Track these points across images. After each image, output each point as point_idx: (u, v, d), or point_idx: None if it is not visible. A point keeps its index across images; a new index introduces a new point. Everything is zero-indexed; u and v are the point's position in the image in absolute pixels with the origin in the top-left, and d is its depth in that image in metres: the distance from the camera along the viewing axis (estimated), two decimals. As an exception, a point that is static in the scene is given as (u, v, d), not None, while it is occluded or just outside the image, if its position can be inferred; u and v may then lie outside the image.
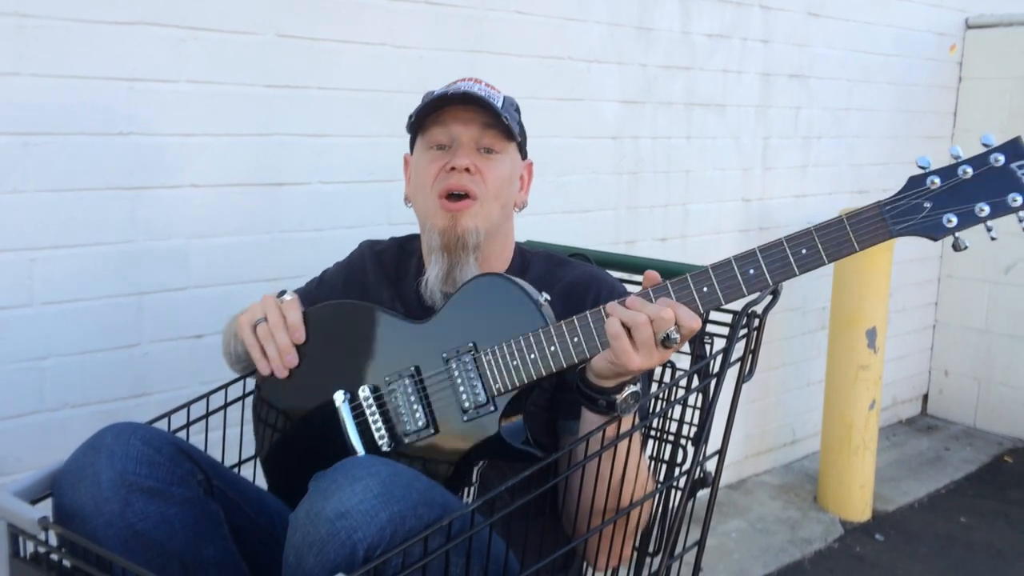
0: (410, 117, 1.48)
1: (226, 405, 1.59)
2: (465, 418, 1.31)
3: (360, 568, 1.02)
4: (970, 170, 1.09)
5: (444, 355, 1.33)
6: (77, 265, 1.85)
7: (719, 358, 1.38)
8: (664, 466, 1.52)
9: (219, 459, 1.50)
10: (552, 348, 1.25)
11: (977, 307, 4.11)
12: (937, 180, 1.10)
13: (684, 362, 1.52)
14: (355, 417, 1.38)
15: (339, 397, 1.39)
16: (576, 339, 1.24)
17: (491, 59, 2.44)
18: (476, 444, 1.30)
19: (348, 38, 2.17)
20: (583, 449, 1.23)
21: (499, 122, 1.40)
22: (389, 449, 1.35)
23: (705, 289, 1.19)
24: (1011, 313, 3.99)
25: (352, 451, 1.37)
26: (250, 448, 1.53)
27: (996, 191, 1.08)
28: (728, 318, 1.45)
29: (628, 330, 1.17)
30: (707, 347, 1.50)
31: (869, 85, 3.65)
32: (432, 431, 1.33)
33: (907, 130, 3.87)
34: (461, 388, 1.31)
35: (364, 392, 1.38)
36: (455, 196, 1.41)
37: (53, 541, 1.12)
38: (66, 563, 1.13)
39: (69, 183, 1.82)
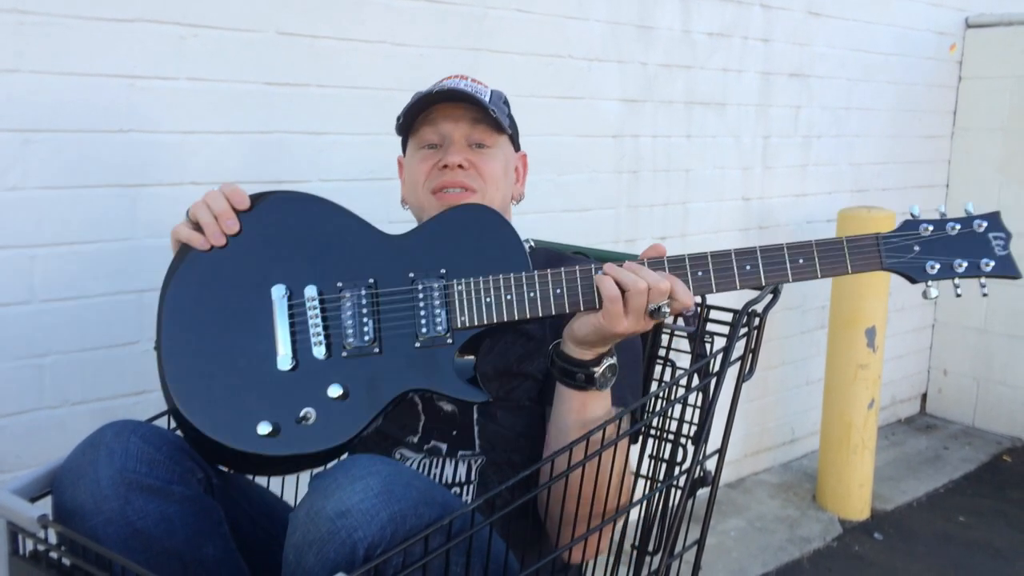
0: (398, 119, 1.48)
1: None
2: (417, 344, 1.24)
3: (360, 567, 1.02)
4: (958, 227, 1.22)
5: (411, 274, 1.26)
6: (77, 262, 1.85)
7: (719, 357, 1.37)
8: (664, 465, 1.52)
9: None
10: (532, 294, 1.23)
11: (976, 307, 4.11)
12: (930, 228, 1.23)
13: (684, 361, 1.52)
14: (291, 317, 1.25)
15: (277, 291, 1.26)
16: (559, 291, 1.22)
17: (491, 57, 2.43)
18: (422, 375, 1.24)
19: (348, 36, 2.17)
20: (580, 449, 1.22)
21: (487, 116, 1.41)
22: (322, 358, 1.24)
23: (700, 273, 1.21)
24: (1010, 313, 3.99)
25: (274, 352, 1.24)
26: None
27: (973, 253, 1.22)
28: (728, 317, 1.45)
29: (623, 292, 1.18)
30: (707, 346, 1.50)
31: (869, 84, 3.65)
32: (376, 349, 1.23)
33: (907, 129, 3.87)
34: (422, 313, 1.24)
35: (310, 291, 1.26)
36: (450, 190, 1.41)
37: (52, 539, 1.12)
38: (65, 561, 1.13)
39: (69, 180, 1.82)
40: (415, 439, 1.43)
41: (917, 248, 1.22)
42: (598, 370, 1.25)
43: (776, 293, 1.41)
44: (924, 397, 4.38)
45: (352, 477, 1.07)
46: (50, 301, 1.83)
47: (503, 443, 1.40)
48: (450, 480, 1.37)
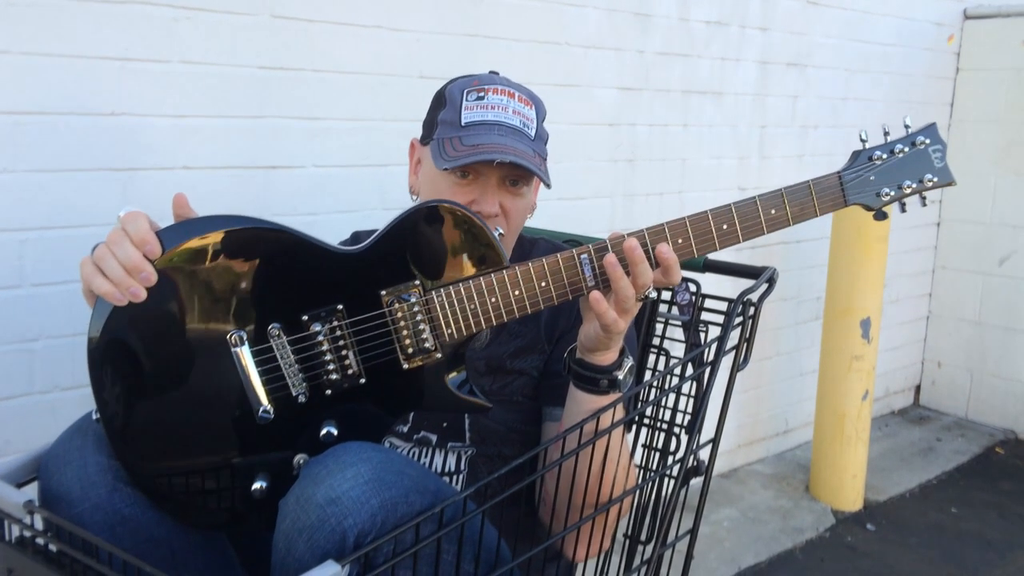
0: (443, 166, 1.30)
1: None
2: (405, 366, 1.17)
3: (350, 555, 1.02)
4: (905, 149, 1.30)
5: (382, 292, 1.15)
6: (68, 246, 1.83)
7: (714, 346, 1.37)
8: (657, 454, 1.51)
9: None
10: (517, 292, 1.18)
11: (971, 299, 4.11)
12: (883, 156, 1.29)
13: (678, 350, 1.51)
14: (258, 364, 1.12)
15: (237, 337, 1.11)
16: (544, 283, 1.18)
17: (488, 43, 2.42)
18: (415, 398, 1.20)
19: (344, 20, 2.15)
20: (573, 438, 1.22)
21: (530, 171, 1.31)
22: (304, 402, 1.14)
23: (680, 241, 1.21)
24: (1005, 305, 3.99)
25: (247, 405, 1.12)
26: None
27: (918, 171, 1.29)
28: (723, 306, 1.45)
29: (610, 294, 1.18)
30: (702, 335, 1.49)
31: (867, 75, 3.63)
32: (362, 381, 1.15)
33: (904, 121, 3.85)
34: (404, 333, 1.16)
35: (273, 330, 1.12)
36: None
37: (39, 525, 1.11)
38: (52, 548, 1.12)
39: (60, 164, 1.80)
40: (404, 428, 1.42)
41: (872, 178, 1.27)
42: (621, 373, 1.23)
43: (771, 283, 1.41)
44: (918, 389, 4.38)
45: (343, 464, 1.06)
46: (40, 285, 1.82)
47: (494, 437, 1.39)
48: (440, 469, 1.36)
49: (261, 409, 1.14)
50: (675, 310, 1.52)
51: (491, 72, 1.44)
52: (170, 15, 1.89)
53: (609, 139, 2.80)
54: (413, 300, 1.16)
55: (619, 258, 1.17)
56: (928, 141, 1.30)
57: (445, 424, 1.40)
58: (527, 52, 2.52)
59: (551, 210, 2.62)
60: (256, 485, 1.15)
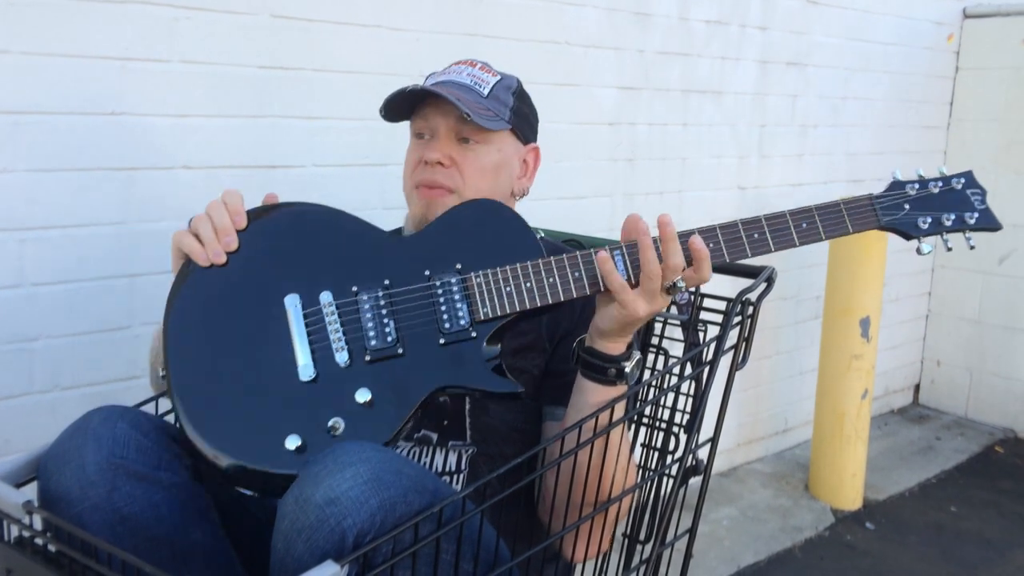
0: (380, 110, 1.44)
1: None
2: (442, 341, 1.20)
3: (349, 555, 1.02)
4: (940, 185, 1.29)
5: (426, 271, 1.24)
6: (68, 246, 1.83)
7: (713, 346, 1.37)
8: (656, 454, 1.51)
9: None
10: (551, 280, 1.21)
11: (970, 297, 4.11)
12: (916, 187, 1.29)
13: (677, 349, 1.51)
14: (307, 326, 1.21)
15: (291, 300, 1.22)
16: (577, 274, 1.21)
17: (488, 43, 2.42)
18: (449, 372, 1.21)
19: (344, 19, 2.15)
20: (573, 436, 1.22)
21: (471, 120, 1.34)
22: (344, 365, 1.20)
23: (712, 245, 1.22)
24: (1004, 304, 3.99)
25: (293, 363, 1.19)
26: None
27: (958, 208, 1.29)
28: (722, 306, 1.44)
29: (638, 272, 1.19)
30: (701, 334, 1.49)
31: (866, 74, 3.63)
32: (400, 350, 1.20)
33: (903, 119, 3.86)
34: (444, 309, 1.21)
35: (325, 297, 1.23)
36: (430, 189, 1.40)
37: (38, 525, 1.11)
38: (51, 548, 1.12)
39: (60, 163, 1.80)
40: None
41: (907, 206, 1.27)
42: (629, 364, 1.23)
43: (770, 281, 1.41)
44: (917, 388, 4.38)
45: (341, 464, 1.06)
46: (40, 285, 1.82)
47: (495, 435, 1.39)
48: (440, 469, 1.36)
49: (302, 367, 1.20)
50: (674, 309, 1.52)
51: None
52: (170, 15, 1.89)
53: (609, 138, 2.80)
54: (452, 280, 1.23)
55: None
56: (964, 183, 1.30)
57: (446, 422, 1.40)
58: (527, 51, 2.52)
59: (551, 209, 2.62)
60: (291, 443, 1.17)
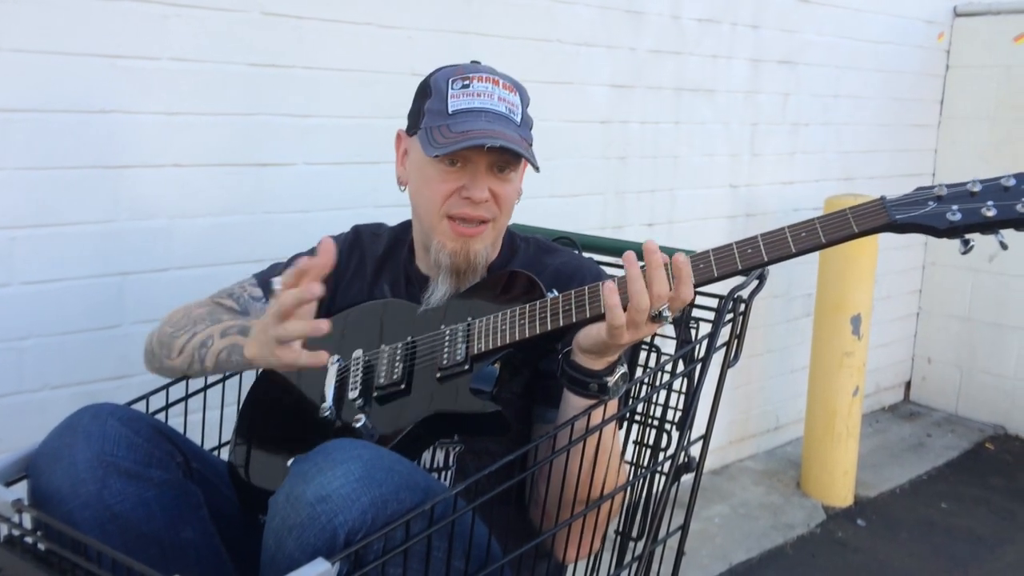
0: (434, 153, 1.33)
1: (206, 387, 1.58)
2: (439, 375, 1.28)
3: (341, 552, 1.02)
4: (979, 186, 1.08)
5: (443, 325, 1.34)
6: (58, 244, 1.83)
7: (705, 343, 1.37)
8: (648, 451, 1.52)
9: (198, 442, 1.49)
10: (543, 314, 1.23)
11: (960, 295, 4.13)
12: (945, 188, 1.10)
13: (669, 347, 1.51)
14: (338, 376, 1.37)
15: (332, 359, 1.40)
16: (567, 306, 1.22)
17: (480, 40, 2.41)
18: (438, 402, 1.26)
19: (335, 17, 2.14)
20: (564, 436, 1.22)
21: (517, 155, 1.33)
22: (356, 400, 1.33)
23: (701, 266, 1.16)
24: (994, 301, 4.01)
25: (318, 405, 1.36)
26: (229, 431, 1.52)
27: (1004, 199, 1.06)
28: (714, 303, 1.45)
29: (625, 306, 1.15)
30: (692, 332, 1.49)
31: (858, 72, 3.64)
32: (403, 386, 1.31)
33: (895, 118, 3.87)
34: (447, 350, 1.30)
35: (356, 353, 1.39)
36: (467, 220, 1.37)
37: (28, 524, 1.11)
38: (41, 546, 1.12)
39: (50, 161, 1.80)
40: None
41: (932, 203, 1.09)
42: (611, 379, 1.22)
43: (762, 279, 1.41)
44: (908, 385, 4.40)
45: (333, 462, 1.06)
46: (30, 283, 1.81)
47: (483, 436, 1.39)
48: (427, 466, 1.36)
49: (324, 406, 1.35)
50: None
51: (473, 62, 1.45)
52: (160, 12, 1.88)
53: (601, 136, 2.80)
54: (460, 326, 1.32)
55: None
56: (1016, 180, 1.07)
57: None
58: (519, 49, 2.52)
59: (543, 207, 2.62)
60: (290, 461, 1.25)
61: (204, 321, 1.43)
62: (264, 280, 1.53)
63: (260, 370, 1.45)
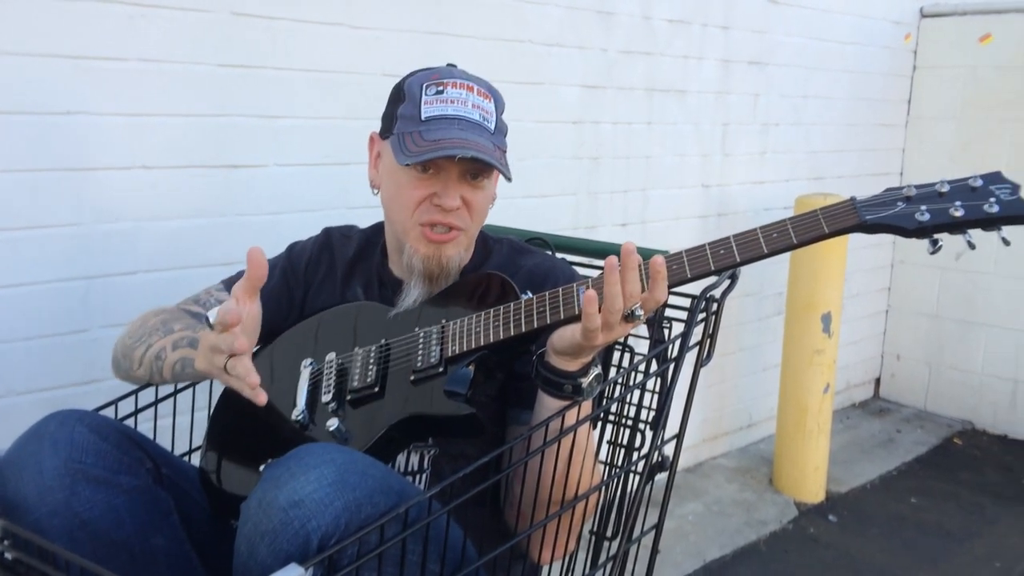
0: (405, 161, 1.31)
1: (176, 392, 1.56)
2: (412, 378, 1.28)
3: (314, 558, 1.01)
4: (947, 186, 1.10)
5: (417, 328, 1.33)
6: (23, 248, 1.80)
7: (678, 342, 1.38)
8: (622, 451, 1.52)
9: (168, 447, 1.47)
10: (517, 316, 1.23)
11: (928, 293, 4.19)
12: (914, 189, 1.12)
13: (643, 347, 1.52)
14: (311, 379, 1.37)
15: (305, 363, 1.40)
16: (541, 308, 1.22)
17: (450, 41, 2.41)
18: (412, 405, 1.26)
19: (305, 17, 2.13)
20: (539, 436, 1.22)
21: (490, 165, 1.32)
22: (327, 404, 1.32)
23: (675, 267, 1.17)
24: (961, 299, 4.07)
25: (291, 409, 1.35)
26: (200, 436, 1.50)
27: (971, 199, 1.08)
28: (686, 303, 1.45)
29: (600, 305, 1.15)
30: (665, 332, 1.50)
31: (826, 72, 3.68)
32: (376, 389, 1.30)
33: (863, 118, 3.91)
34: (420, 353, 1.29)
35: (329, 356, 1.38)
36: (439, 226, 1.36)
37: (-5, 533, 1.09)
38: (8, 555, 1.10)
39: (13, 164, 1.77)
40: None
41: (901, 204, 1.11)
42: (585, 380, 1.22)
43: (734, 278, 1.42)
44: (878, 381, 4.45)
45: (306, 466, 1.05)
46: (-6, 288, 1.78)
47: (458, 439, 1.39)
48: (402, 470, 1.36)
49: (296, 410, 1.34)
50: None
51: (449, 65, 1.44)
52: (127, 12, 1.86)
53: (573, 137, 2.80)
54: (434, 329, 1.31)
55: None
56: (983, 181, 1.09)
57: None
58: (490, 50, 2.51)
59: (516, 208, 2.62)
60: (263, 468, 1.24)
61: (158, 332, 1.40)
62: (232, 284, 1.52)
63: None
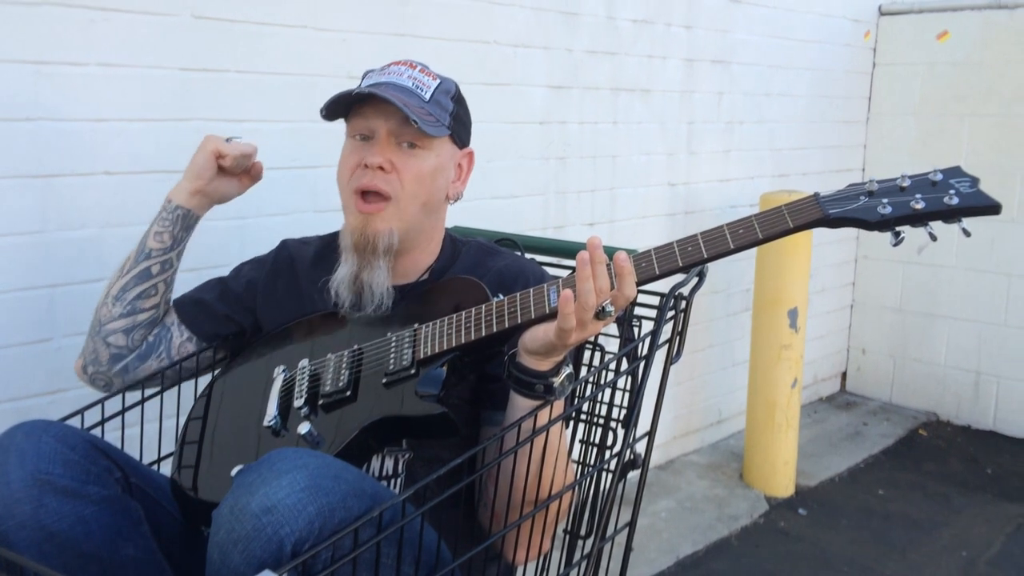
0: (321, 110, 1.43)
1: (143, 400, 1.54)
2: (384, 381, 1.29)
3: (288, 564, 1.00)
4: (908, 181, 1.14)
5: (389, 332, 1.34)
6: (-17, 257, 1.77)
7: (647, 340, 1.39)
8: (595, 449, 1.53)
9: (137, 456, 1.46)
10: (488, 318, 1.24)
11: (892, 287, 4.25)
12: (876, 184, 1.15)
13: (613, 345, 1.53)
14: (284, 385, 1.37)
15: (277, 370, 1.40)
16: (512, 309, 1.23)
17: (416, 43, 2.40)
18: (384, 407, 1.27)
19: (268, 20, 2.11)
20: (512, 437, 1.22)
21: (414, 124, 1.34)
22: (299, 408, 1.33)
23: (644, 264, 1.19)
24: (924, 292, 4.14)
25: (263, 414, 1.35)
26: (169, 444, 1.49)
27: (931, 192, 1.11)
28: (655, 301, 1.46)
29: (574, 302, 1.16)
30: (635, 330, 1.51)
31: (788, 71, 3.72)
32: (348, 393, 1.31)
33: (824, 115, 3.96)
34: (392, 356, 1.30)
35: (303, 363, 1.39)
36: (368, 195, 1.38)
37: (-40, 547, 1.07)
38: (-25, 569, 1.08)
39: (-28, 171, 1.74)
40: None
41: (864, 198, 1.14)
42: (557, 380, 1.23)
43: (702, 276, 1.43)
44: (844, 375, 4.51)
45: (278, 472, 1.04)
46: (-46, 298, 1.75)
47: (431, 440, 1.39)
48: (376, 474, 1.35)
49: (268, 415, 1.35)
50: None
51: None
52: (86, 16, 1.83)
53: (540, 137, 2.81)
54: (406, 332, 1.32)
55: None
56: (943, 176, 1.12)
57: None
58: (456, 51, 2.51)
59: (484, 209, 2.62)
60: (234, 472, 1.22)
61: (116, 272, 1.52)
62: (185, 299, 1.57)
63: (209, 377, 1.46)
